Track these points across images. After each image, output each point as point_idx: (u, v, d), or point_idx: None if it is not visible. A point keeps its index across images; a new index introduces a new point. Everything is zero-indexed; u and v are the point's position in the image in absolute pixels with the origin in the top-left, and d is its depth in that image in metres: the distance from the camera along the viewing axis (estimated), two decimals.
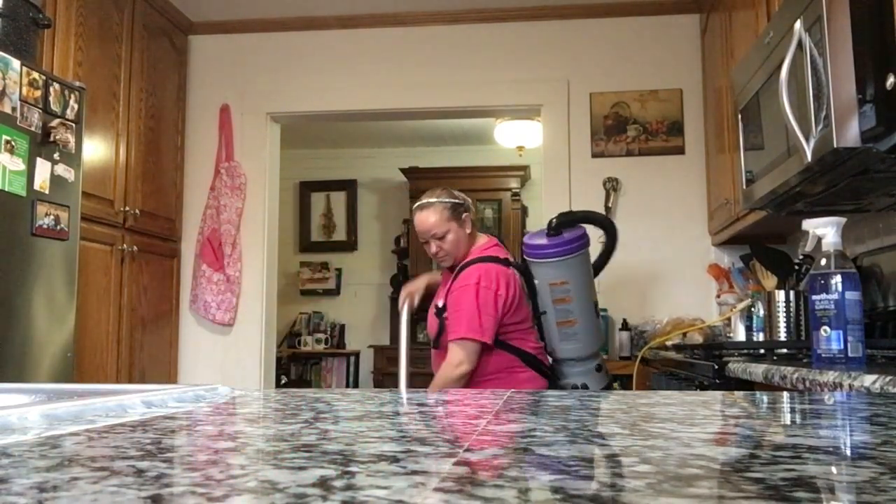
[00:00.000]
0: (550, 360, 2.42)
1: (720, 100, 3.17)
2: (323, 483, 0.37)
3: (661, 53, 3.68)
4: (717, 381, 1.88)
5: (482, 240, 2.50)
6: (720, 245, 3.44)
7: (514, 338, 2.35)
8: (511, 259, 2.42)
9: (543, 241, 2.32)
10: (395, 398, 0.84)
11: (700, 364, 2.08)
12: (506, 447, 0.50)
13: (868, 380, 1.13)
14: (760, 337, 2.58)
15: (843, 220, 1.58)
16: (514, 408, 0.73)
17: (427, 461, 0.44)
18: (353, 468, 0.42)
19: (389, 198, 6.44)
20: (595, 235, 2.48)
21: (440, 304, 2.43)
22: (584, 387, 2.35)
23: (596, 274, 2.49)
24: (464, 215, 2.44)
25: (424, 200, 2.47)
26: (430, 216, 2.42)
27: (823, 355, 1.51)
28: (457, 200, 2.45)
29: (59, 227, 2.46)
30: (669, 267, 3.57)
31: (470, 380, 2.31)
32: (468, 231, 2.44)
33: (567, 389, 2.28)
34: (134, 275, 3.34)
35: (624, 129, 3.67)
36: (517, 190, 6.02)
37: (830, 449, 0.49)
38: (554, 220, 2.34)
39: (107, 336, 3.15)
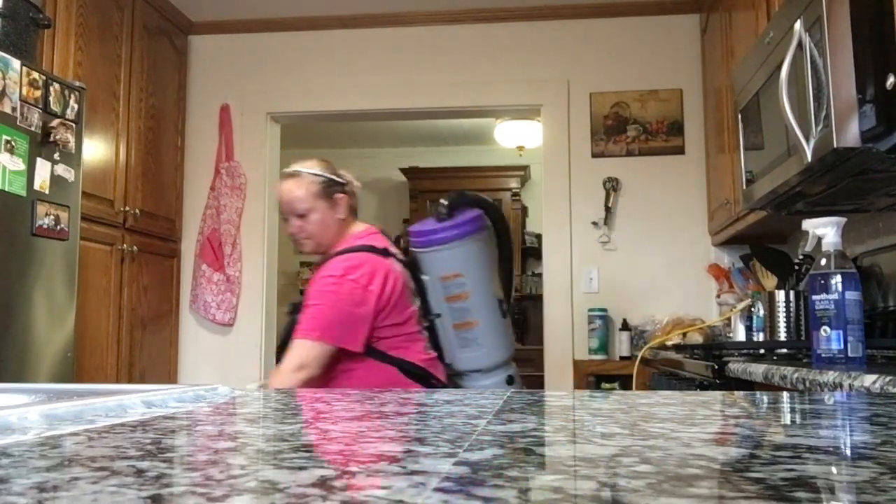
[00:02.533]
0: (448, 373, 2.06)
1: (720, 100, 3.17)
2: (323, 483, 0.37)
3: (661, 53, 3.68)
4: (717, 381, 1.88)
5: (359, 227, 2.10)
6: (720, 245, 3.44)
7: (395, 346, 1.95)
8: (391, 250, 2.03)
9: (432, 226, 1.96)
10: (396, 398, 0.84)
11: (700, 364, 2.07)
12: (506, 447, 0.50)
13: (868, 380, 1.13)
14: (760, 337, 2.58)
15: (843, 220, 1.58)
16: (514, 408, 0.73)
17: (427, 461, 0.44)
18: (353, 468, 0.42)
19: (389, 198, 6.44)
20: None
21: (296, 300, 2.04)
22: None
23: (506, 270, 2.13)
24: (336, 195, 2.05)
25: (293, 169, 2.09)
26: (295, 188, 2.04)
27: (823, 355, 1.51)
28: (331, 176, 2.07)
29: (59, 227, 2.46)
30: (669, 267, 3.57)
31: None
32: (340, 216, 2.05)
33: None
34: (134, 275, 3.34)
35: (624, 129, 3.67)
36: (517, 190, 6.03)
37: (830, 449, 0.49)
38: (445, 201, 1.97)
39: (107, 336, 3.15)
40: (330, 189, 2.05)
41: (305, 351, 1.86)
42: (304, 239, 2.07)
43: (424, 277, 1.97)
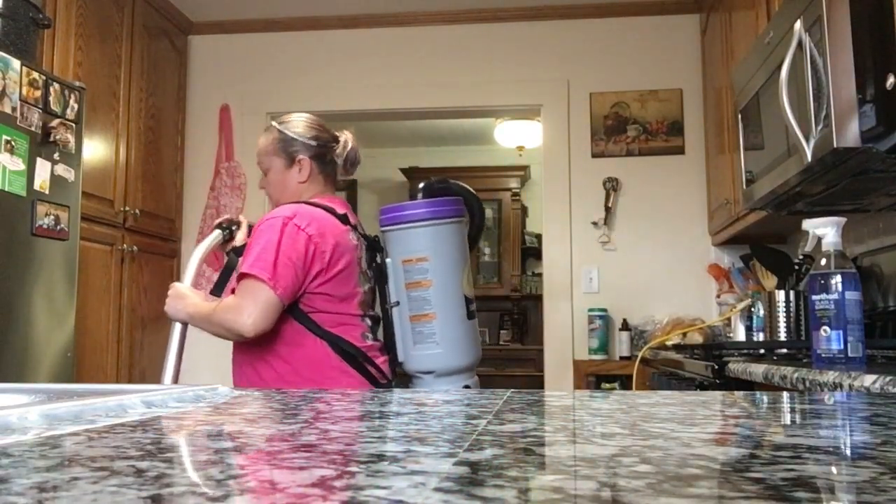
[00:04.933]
0: (399, 373, 1.88)
1: (720, 100, 3.17)
2: (323, 483, 0.37)
3: (661, 53, 3.68)
4: (717, 381, 1.88)
5: (325, 195, 1.92)
6: (720, 245, 3.44)
7: (332, 325, 1.76)
8: (352, 220, 1.87)
9: (407, 204, 1.82)
10: (396, 398, 0.84)
11: (700, 364, 2.07)
12: (506, 447, 0.50)
13: (868, 380, 1.13)
14: (760, 337, 2.58)
15: (843, 220, 1.58)
16: (514, 408, 0.73)
17: (427, 461, 0.44)
18: (353, 468, 0.42)
19: (389, 198, 6.44)
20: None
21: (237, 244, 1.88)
22: None
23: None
24: (298, 156, 1.88)
25: (272, 122, 1.97)
26: (261, 140, 1.93)
27: (823, 355, 1.51)
28: (293, 134, 1.89)
29: (59, 227, 2.46)
30: (669, 267, 3.57)
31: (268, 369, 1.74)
32: (301, 179, 1.89)
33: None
34: (134, 275, 3.34)
35: (624, 129, 3.67)
36: (517, 190, 6.03)
37: (830, 449, 0.49)
38: (431, 181, 1.84)
39: (107, 336, 3.15)
40: (290, 147, 1.89)
41: (240, 290, 1.70)
42: (268, 195, 1.97)
43: (388, 261, 1.82)
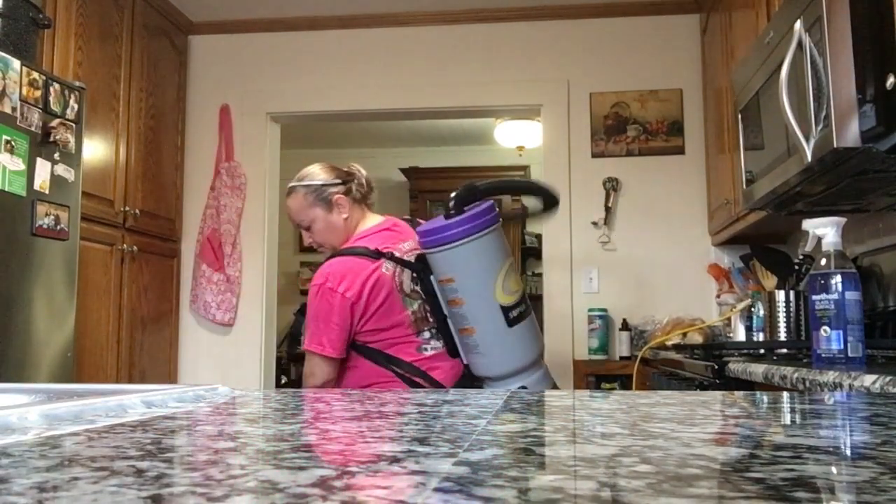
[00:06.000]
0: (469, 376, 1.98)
1: (720, 100, 3.17)
2: (323, 483, 0.37)
3: (661, 53, 3.68)
4: (717, 381, 1.88)
5: (371, 222, 2.10)
6: (720, 245, 3.44)
7: (385, 347, 1.96)
8: (385, 249, 1.97)
9: (432, 225, 1.85)
10: (396, 398, 0.84)
11: (700, 364, 2.07)
12: (506, 447, 0.50)
13: (868, 380, 1.13)
14: (760, 337, 2.58)
15: (843, 220, 1.58)
16: (514, 408, 0.73)
17: (427, 461, 0.44)
18: (353, 468, 0.42)
19: (389, 198, 6.43)
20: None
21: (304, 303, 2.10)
22: None
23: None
24: (334, 197, 2.05)
25: (290, 185, 2.11)
26: (292, 204, 2.09)
27: (823, 355, 1.51)
28: (319, 182, 2.06)
29: (59, 227, 2.46)
30: (669, 267, 3.57)
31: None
32: (344, 215, 2.06)
33: None
34: (134, 275, 3.34)
35: (624, 129, 3.67)
36: None
37: (830, 449, 0.49)
38: (453, 194, 1.83)
39: (107, 336, 3.15)
40: (323, 194, 2.06)
41: (309, 361, 1.97)
42: (319, 246, 2.13)
43: (432, 277, 1.88)
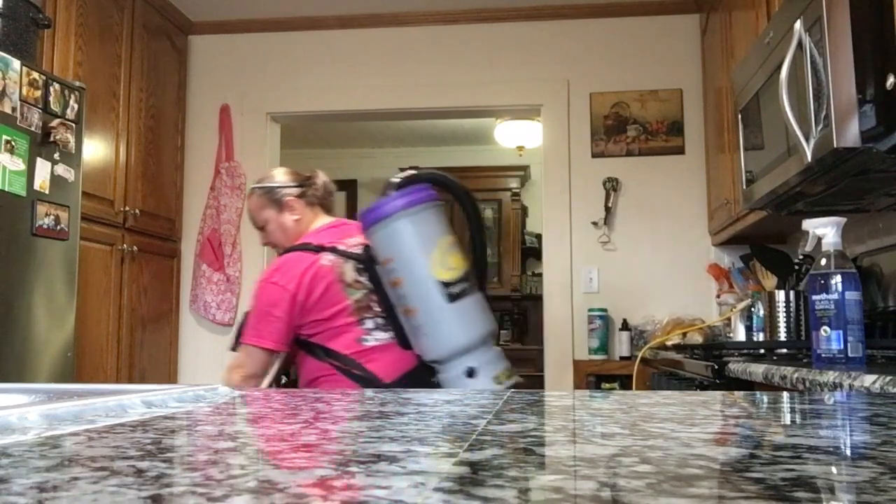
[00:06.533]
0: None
1: (720, 100, 3.17)
2: (323, 483, 0.37)
3: (661, 53, 3.68)
4: (717, 381, 1.88)
5: (323, 222, 2.16)
6: (720, 245, 3.44)
7: (325, 339, 1.96)
8: (328, 244, 2.01)
9: (371, 205, 1.84)
10: (396, 398, 0.84)
11: (700, 364, 2.07)
12: (506, 447, 0.50)
13: (868, 380, 1.13)
14: (760, 337, 2.58)
15: (843, 220, 1.58)
16: (514, 408, 0.73)
17: (427, 461, 0.44)
18: (353, 468, 0.42)
19: None
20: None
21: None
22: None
23: (479, 259, 1.90)
24: (286, 199, 2.13)
25: (250, 186, 2.23)
26: (249, 204, 2.21)
27: (823, 355, 1.51)
28: (273, 184, 2.15)
29: (59, 227, 2.46)
30: (669, 267, 3.57)
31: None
32: (295, 217, 2.13)
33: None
34: (134, 275, 3.34)
35: (624, 129, 3.67)
36: (517, 190, 6.03)
37: (830, 449, 0.49)
38: (395, 179, 1.86)
39: (107, 336, 3.15)
40: (275, 196, 2.14)
41: (243, 352, 1.99)
42: (273, 246, 2.21)
43: (378, 268, 1.86)
